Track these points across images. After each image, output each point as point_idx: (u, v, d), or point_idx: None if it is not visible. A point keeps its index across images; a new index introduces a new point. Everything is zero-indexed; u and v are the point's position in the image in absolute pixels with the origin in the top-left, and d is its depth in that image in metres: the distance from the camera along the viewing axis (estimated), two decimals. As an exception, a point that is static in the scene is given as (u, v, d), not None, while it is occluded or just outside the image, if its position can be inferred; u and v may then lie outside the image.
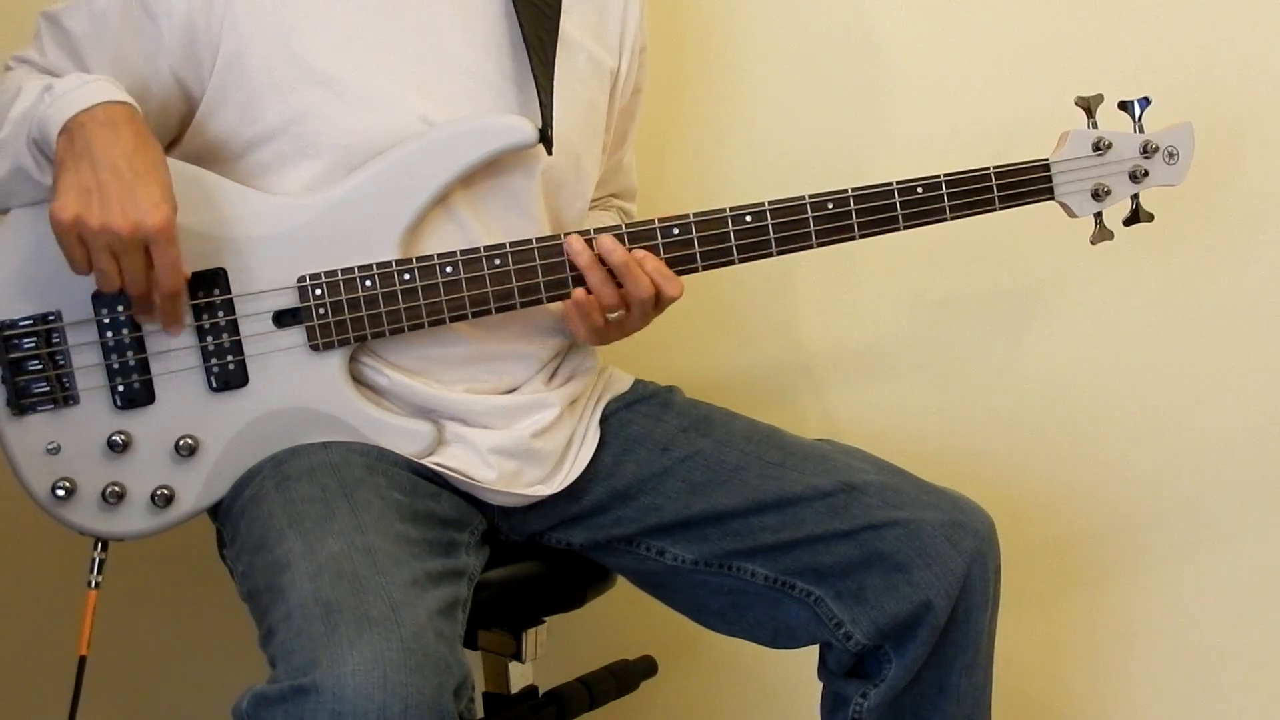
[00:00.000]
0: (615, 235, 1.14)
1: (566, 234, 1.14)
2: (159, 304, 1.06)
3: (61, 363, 1.09)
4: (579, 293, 1.15)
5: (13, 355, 1.08)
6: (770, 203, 1.16)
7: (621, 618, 1.52)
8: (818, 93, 1.54)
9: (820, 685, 1.27)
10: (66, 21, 1.11)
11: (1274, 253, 1.50)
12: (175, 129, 1.14)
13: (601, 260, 1.14)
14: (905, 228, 1.18)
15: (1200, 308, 1.52)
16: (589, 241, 1.14)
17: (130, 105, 1.03)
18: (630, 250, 1.14)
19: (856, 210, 1.17)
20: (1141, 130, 1.20)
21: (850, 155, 1.51)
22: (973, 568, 1.17)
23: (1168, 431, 1.56)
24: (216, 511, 1.15)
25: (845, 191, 1.17)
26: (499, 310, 1.14)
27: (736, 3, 1.54)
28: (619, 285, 1.14)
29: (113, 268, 1.02)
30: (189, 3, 1.09)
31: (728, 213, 1.16)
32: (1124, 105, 1.20)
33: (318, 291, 1.11)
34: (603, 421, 1.25)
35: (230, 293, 1.10)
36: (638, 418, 1.26)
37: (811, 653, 1.25)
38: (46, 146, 1.03)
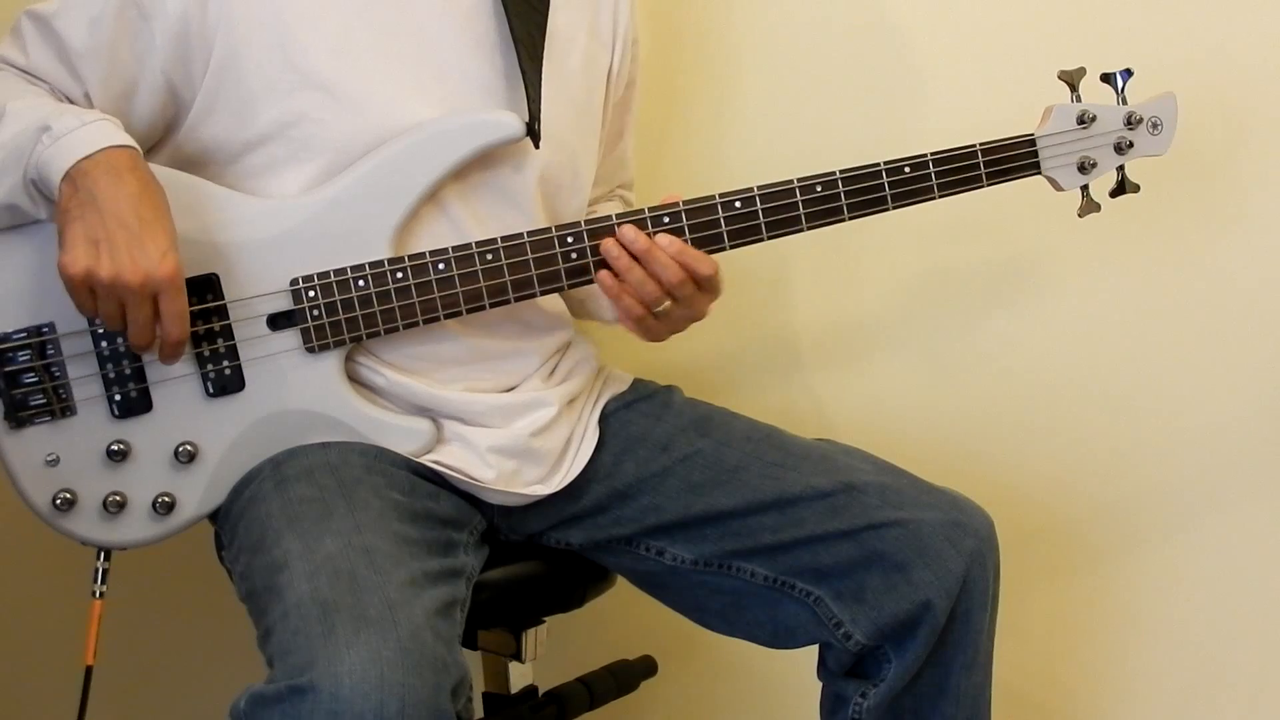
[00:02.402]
0: (635, 222, 1.13)
1: (602, 238, 1.13)
2: (161, 349, 1.06)
3: (57, 374, 1.09)
4: (602, 276, 1.14)
5: (8, 368, 1.08)
6: (759, 187, 1.17)
7: (621, 618, 1.52)
8: (807, 80, 1.54)
9: (820, 685, 1.26)
10: (58, 26, 1.10)
11: (1265, 225, 1.50)
12: (162, 131, 1.15)
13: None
14: (894, 207, 1.18)
15: (1197, 290, 1.52)
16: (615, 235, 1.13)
17: (133, 149, 1.03)
18: (653, 236, 1.14)
19: (845, 192, 1.17)
20: (1124, 102, 1.21)
21: (842, 140, 1.51)
22: (972, 568, 1.16)
23: (1167, 427, 1.55)
24: (215, 514, 1.15)
25: (833, 174, 1.17)
26: (493, 305, 1.14)
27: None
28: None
29: (119, 315, 1.02)
30: (184, 4, 1.09)
31: (717, 199, 1.16)
32: (1106, 78, 1.21)
33: (311, 293, 1.11)
34: (602, 421, 1.25)
35: (224, 298, 1.11)
36: (637, 417, 1.26)
37: (811, 653, 1.25)
38: (46, 189, 1.03)
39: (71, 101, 1.11)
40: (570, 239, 1.14)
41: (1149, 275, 1.52)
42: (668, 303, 1.15)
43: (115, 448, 1.10)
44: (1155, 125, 1.20)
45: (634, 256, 1.14)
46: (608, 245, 1.14)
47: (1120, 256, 1.51)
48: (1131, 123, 1.20)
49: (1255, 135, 1.48)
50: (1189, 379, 1.54)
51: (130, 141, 1.04)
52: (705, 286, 1.16)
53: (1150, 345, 1.54)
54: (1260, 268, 1.50)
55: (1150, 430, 1.55)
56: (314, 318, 1.12)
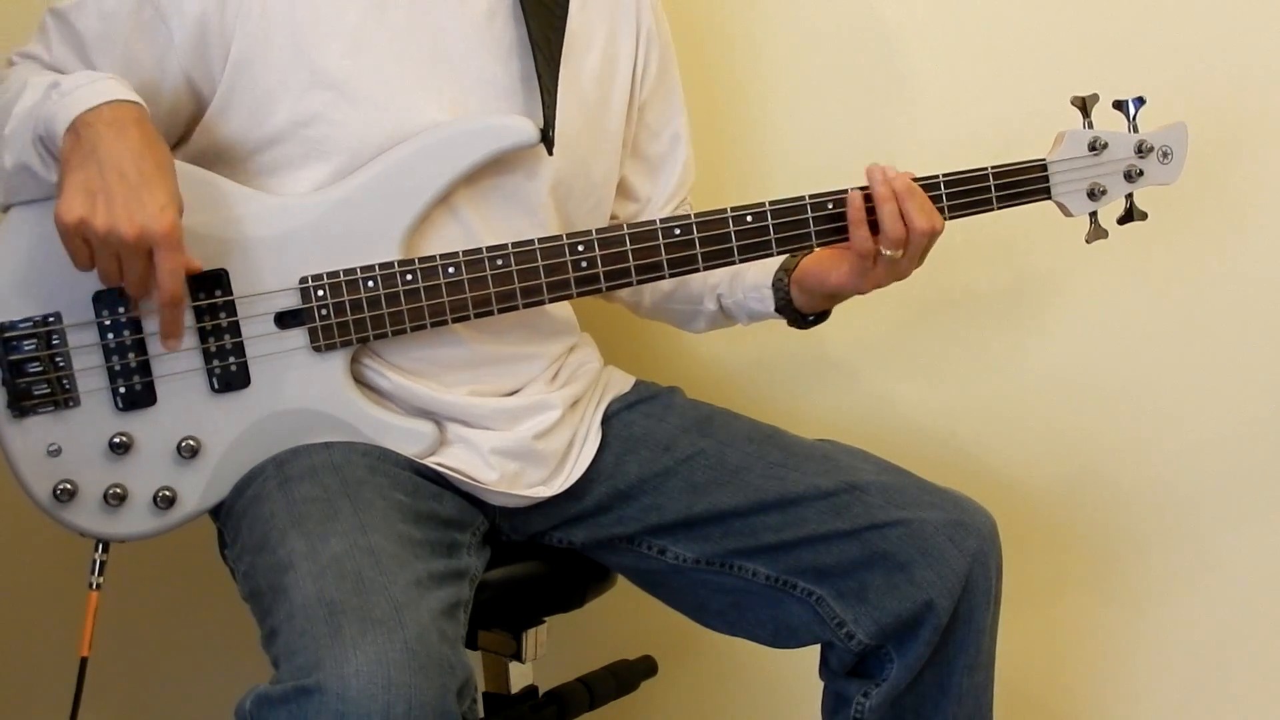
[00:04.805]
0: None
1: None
2: (159, 311, 1.05)
3: (62, 364, 1.08)
4: (853, 197, 1.14)
5: (13, 357, 1.07)
6: (771, 203, 1.17)
7: (621, 618, 1.53)
8: (823, 100, 1.55)
9: (821, 685, 1.27)
10: (75, 19, 1.10)
11: (1269, 249, 1.51)
12: (183, 129, 1.14)
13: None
14: (905, 226, 1.18)
15: (1200, 304, 1.53)
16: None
17: (138, 105, 1.02)
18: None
19: (858, 211, 1.17)
20: (1136, 130, 1.21)
21: (856, 158, 1.51)
22: (974, 567, 1.17)
23: (1168, 429, 1.56)
24: (218, 512, 1.15)
25: (845, 191, 1.17)
26: (501, 311, 1.14)
27: (749, 11, 1.55)
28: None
29: (115, 268, 1.01)
30: (202, 3, 1.09)
31: (729, 213, 1.16)
32: (1119, 105, 1.21)
33: (320, 292, 1.11)
34: (604, 422, 1.26)
35: (232, 294, 1.10)
36: (639, 418, 1.26)
37: (812, 652, 1.26)
38: (52, 144, 1.02)
39: None
40: (581, 247, 1.15)
41: (1151, 281, 1.54)
42: (900, 251, 1.16)
43: (118, 440, 1.10)
44: (1166, 154, 1.21)
45: (894, 194, 1.14)
46: (872, 171, 1.15)
47: (1124, 265, 1.52)
48: (1142, 151, 1.21)
49: (1259, 154, 1.48)
50: (1190, 382, 1.55)
51: (137, 98, 1.03)
52: (928, 247, 1.17)
53: (1151, 349, 1.55)
54: (1262, 280, 1.51)
55: (1152, 433, 1.56)
56: (322, 317, 1.11)
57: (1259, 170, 1.49)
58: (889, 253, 1.15)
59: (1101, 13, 1.48)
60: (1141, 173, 1.21)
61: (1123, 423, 1.57)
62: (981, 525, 1.19)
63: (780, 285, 1.25)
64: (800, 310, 1.26)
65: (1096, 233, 1.23)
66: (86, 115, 1.00)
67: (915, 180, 1.17)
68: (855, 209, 1.15)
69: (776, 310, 1.27)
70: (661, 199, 1.33)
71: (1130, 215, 1.24)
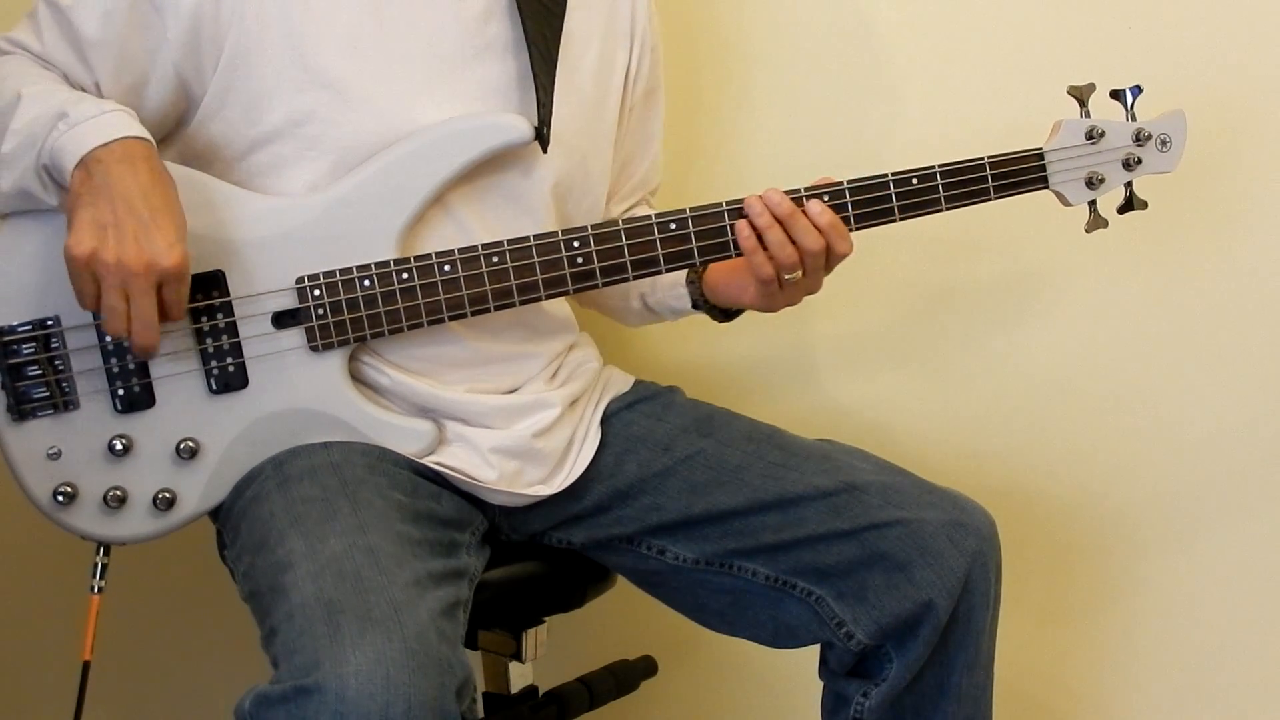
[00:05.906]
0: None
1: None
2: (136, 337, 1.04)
3: (61, 367, 1.09)
4: (740, 227, 1.14)
5: (12, 361, 1.08)
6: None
7: (621, 618, 1.53)
8: (820, 90, 1.55)
9: (821, 685, 1.27)
10: (74, 17, 1.09)
11: (1269, 242, 1.51)
12: (173, 123, 1.14)
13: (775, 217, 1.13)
14: (901, 219, 1.18)
15: (1199, 300, 1.52)
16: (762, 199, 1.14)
17: (147, 141, 1.04)
18: (804, 203, 1.14)
19: (852, 203, 1.16)
20: (1134, 118, 1.21)
21: (852, 150, 1.51)
22: (974, 567, 1.17)
23: (1169, 427, 1.56)
24: (217, 513, 1.15)
25: (840, 184, 1.17)
26: (498, 308, 1.14)
27: (744, 5, 1.55)
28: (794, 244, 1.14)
29: (122, 306, 1.02)
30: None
31: (724, 207, 1.16)
32: (1116, 94, 1.21)
33: (316, 292, 1.11)
34: (604, 422, 1.25)
35: (229, 295, 1.10)
36: (639, 418, 1.26)
37: (811, 652, 1.25)
38: (59, 175, 1.03)
39: (82, 90, 1.10)
40: (576, 243, 1.14)
41: (1151, 281, 1.53)
42: (799, 272, 1.15)
43: (117, 442, 1.10)
44: (1164, 142, 1.20)
45: (777, 219, 1.13)
46: (751, 202, 1.14)
47: (1124, 262, 1.51)
48: (1140, 139, 1.20)
49: (1260, 149, 1.48)
50: (1191, 381, 1.54)
51: (145, 134, 1.04)
52: (833, 263, 1.17)
53: (1152, 349, 1.54)
54: (1263, 278, 1.51)
55: (1153, 432, 1.56)
56: (319, 317, 1.11)
57: (1258, 160, 1.48)
58: (788, 276, 1.15)
59: (1097, 2, 1.48)
60: (1140, 161, 1.20)
61: (1123, 421, 1.56)
62: (981, 525, 1.19)
63: (693, 285, 1.26)
64: (718, 307, 1.26)
65: (1096, 222, 1.22)
66: (98, 151, 1.01)
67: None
68: (745, 237, 1.14)
69: (694, 308, 1.27)
70: (619, 195, 1.32)
71: (1130, 204, 1.23)
